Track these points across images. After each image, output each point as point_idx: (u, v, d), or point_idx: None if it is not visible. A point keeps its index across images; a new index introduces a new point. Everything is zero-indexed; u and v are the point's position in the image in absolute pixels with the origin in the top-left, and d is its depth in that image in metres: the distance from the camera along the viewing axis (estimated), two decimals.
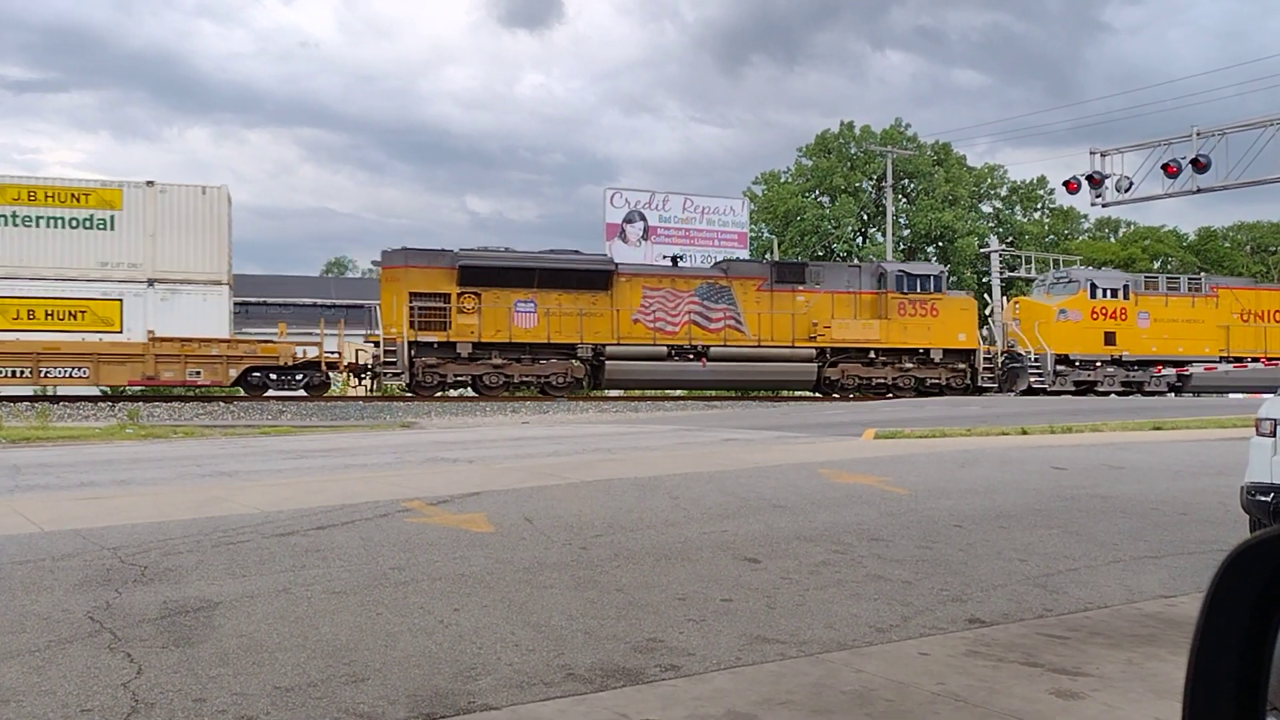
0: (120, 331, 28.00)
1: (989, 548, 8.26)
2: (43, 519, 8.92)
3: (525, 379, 30.54)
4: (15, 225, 27.54)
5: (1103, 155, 27.80)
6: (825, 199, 65.92)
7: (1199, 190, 26.80)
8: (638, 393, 33.43)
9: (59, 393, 28.46)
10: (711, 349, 31.71)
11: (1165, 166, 26.43)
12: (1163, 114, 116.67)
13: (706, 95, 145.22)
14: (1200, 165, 25.80)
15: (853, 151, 65.65)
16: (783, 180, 67.69)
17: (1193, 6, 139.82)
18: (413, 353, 29.33)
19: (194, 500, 10.13)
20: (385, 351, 29.16)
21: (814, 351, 32.67)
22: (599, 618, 6.04)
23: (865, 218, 66.54)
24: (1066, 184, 28.22)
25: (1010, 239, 66.09)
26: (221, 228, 29.36)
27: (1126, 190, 27.63)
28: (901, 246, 64.39)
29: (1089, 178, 27.59)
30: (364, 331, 34.74)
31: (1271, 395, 8.35)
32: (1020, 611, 6.39)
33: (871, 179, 64.73)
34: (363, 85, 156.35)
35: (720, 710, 4.50)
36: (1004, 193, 70.95)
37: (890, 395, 32.98)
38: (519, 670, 5.06)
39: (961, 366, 34.12)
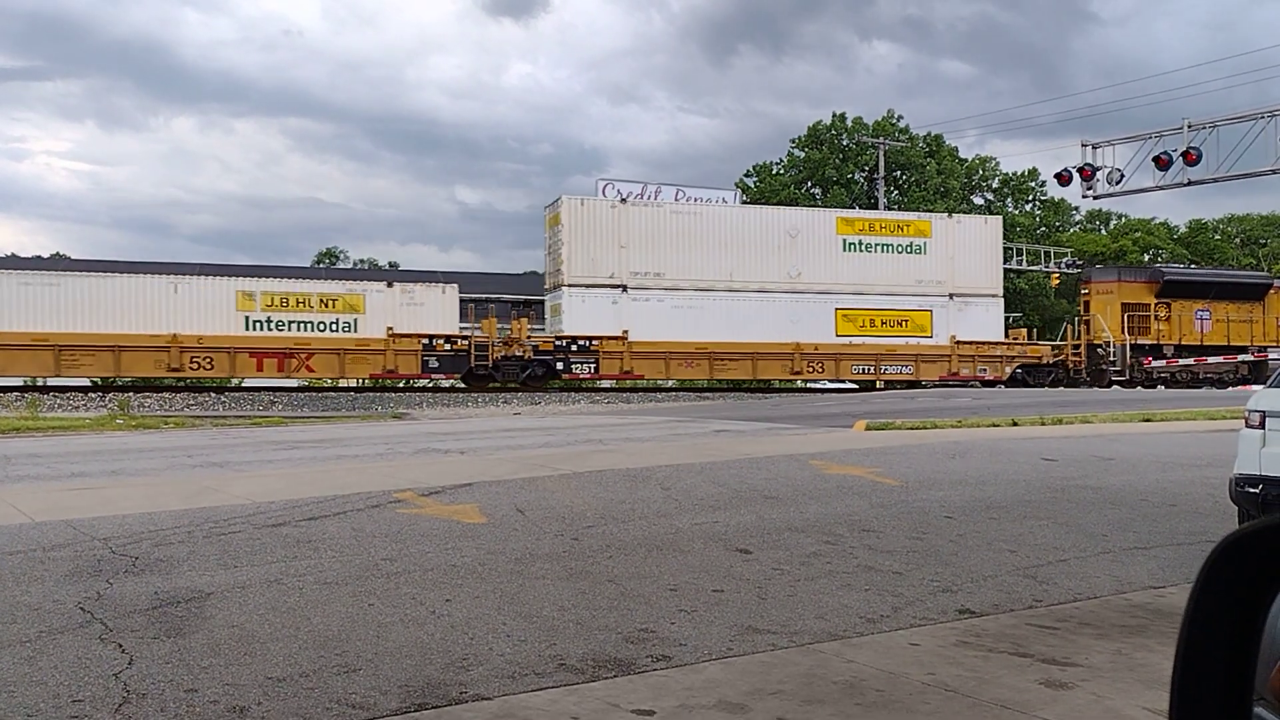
0: (930, 336, 35.04)
1: (979, 539, 8.29)
2: (33, 509, 8.89)
3: (1207, 375, 36.67)
4: (859, 251, 34.61)
5: (1094, 148, 27.84)
6: (817, 191, 65.88)
7: (1190, 182, 26.87)
8: (629, 383, 34.00)
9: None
10: None
11: (1156, 159, 26.49)
12: (1150, 106, 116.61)
13: (693, 85, 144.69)
14: (1191, 158, 25.85)
15: (845, 143, 65.61)
16: (775, 172, 67.63)
17: None
18: (1129, 354, 36.29)
19: (185, 491, 10.11)
20: (1112, 353, 36.26)
21: None
22: (590, 608, 6.05)
23: (857, 209, 66.54)
24: (1058, 176, 28.27)
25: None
26: (996, 250, 36.52)
27: (1118, 182, 27.68)
28: None
29: (1080, 170, 27.63)
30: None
31: (1260, 387, 8.39)
32: (1010, 602, 6.42)
33: (864, 171, 64.72)
34: (348, 74, 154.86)
35: (711, 700, 4.51)
36: (995, 185, 71.01)
37: None
38: (511, 660, 5.06)
39: None
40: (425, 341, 31.31)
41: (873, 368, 34.39)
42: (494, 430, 17.67)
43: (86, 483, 10.83)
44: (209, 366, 30.22)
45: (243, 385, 31.84)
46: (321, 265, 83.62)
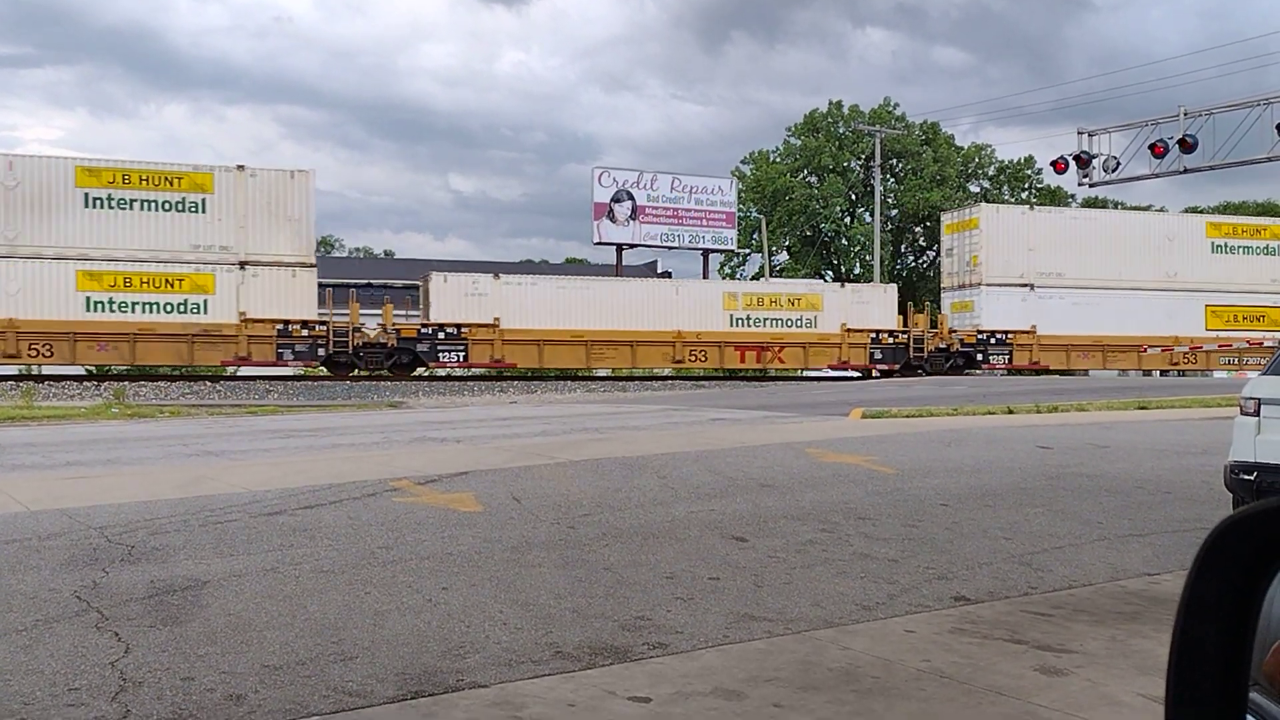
0: None
1: (975, 526, 8.30)
2: (29, 498, 8.88)
3: None
4: (1224, 253, 38.79)
5: (1090, 135, 27.84)
6: (813, 179, 65.83)
7: (1185, 170, 26.89)
8: (625, 372, 34.29)
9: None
10: None
11: (1152, 147, 26.50)
12: (1145, 94, 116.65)
13: (687, 73, 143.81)
14: (1187, 145, 25.87)
15: (841, 131, 65.53)
16: (771, 160, 67.54)
17: None
18: None
19: (181, 480, 10.10)
20: None
21: None
22: (587, 596, 6.06)
23: (853, 198, 66.46)
24: (1054, 164, 28.28)
25: None
26: None
27: (1114, 170, 27.71)
28: (889, 226, 64.44)
29: (1076, 158, 27.64)
30: None
31: (1256, 375, 8.41)
32: (1005, 589, 6.43)
33: (860, 159, 64.66)
34: (341, 62, 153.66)
35: (708, 687, 4.52)
36: (991, 172, 70.98)
37: None
38: (507, 648, 5.07)
39: None
40: (872, 336, 35.79)
41: (1237, 359, 37.46)
42: (490, 419, 17.67)
43: (82, 472, 10.82)
44: (703, 359, 34.57)
45: (236, 375, 31.76)
46: (318, 255, 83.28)
